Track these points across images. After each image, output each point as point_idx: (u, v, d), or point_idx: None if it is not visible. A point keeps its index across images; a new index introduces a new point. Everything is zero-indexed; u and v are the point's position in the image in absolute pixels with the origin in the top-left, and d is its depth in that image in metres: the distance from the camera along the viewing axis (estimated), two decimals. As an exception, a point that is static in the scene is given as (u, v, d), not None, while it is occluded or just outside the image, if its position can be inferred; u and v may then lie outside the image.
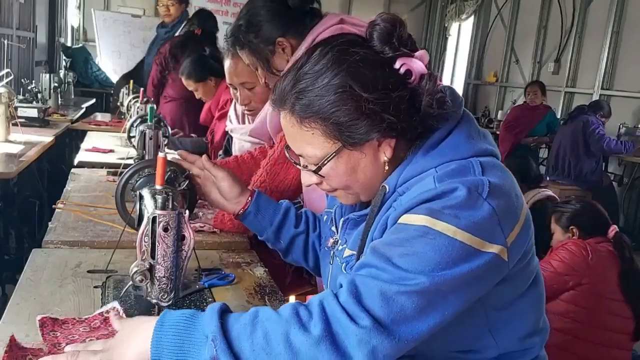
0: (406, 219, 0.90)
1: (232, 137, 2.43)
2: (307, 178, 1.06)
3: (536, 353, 1.08)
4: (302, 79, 0.97)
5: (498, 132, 6.62)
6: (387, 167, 1.00)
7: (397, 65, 0.97)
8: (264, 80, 1.75)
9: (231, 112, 2.40)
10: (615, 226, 2.22)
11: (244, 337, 0.83)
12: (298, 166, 1.06)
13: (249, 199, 1.37)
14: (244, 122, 2.31)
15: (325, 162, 0.99)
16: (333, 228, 1.20)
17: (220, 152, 2.65)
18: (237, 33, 1.68)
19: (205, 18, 4.29)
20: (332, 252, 1.17)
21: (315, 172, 1.01)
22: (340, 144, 0.97)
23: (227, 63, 2.00)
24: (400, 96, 0.95)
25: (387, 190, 0.99)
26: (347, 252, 1.09)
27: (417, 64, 0.97)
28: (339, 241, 1.14)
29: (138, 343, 0.88)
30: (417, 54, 0.99)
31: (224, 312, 0.88)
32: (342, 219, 1.13)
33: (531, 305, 1.06)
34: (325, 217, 1.28)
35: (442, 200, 0.88)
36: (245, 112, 2.12)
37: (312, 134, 0.98)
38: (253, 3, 1.69)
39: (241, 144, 2.27)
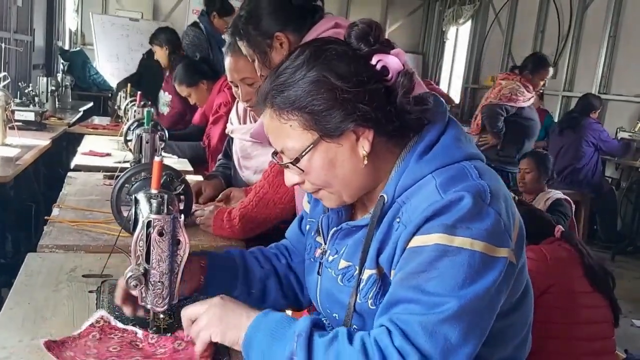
0: (421, 240, 0.91)
1: (232, 140, 2.43)
2: (290, 178, 1.07)
3: None
4: (281, 74, 1.01)
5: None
6: (366, 162, 1.00)
7: (373, 61, 1.00)
8: (260, 73, 1.73)
9: (232, 114, 2.40)
10: (560, 226, 2.23)
11: (321, 349, 0.89)
12: (281, 165, 1.07)
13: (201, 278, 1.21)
14: (245, 122, 2.31)
15: (304, 154, 1.00)
16: (318, 238, 1.18)
17: (220, 156, 2.65)
18: (238, 23, 1.67)
19: (170, 36, 4.48)
20: (319, 263, 1.15)
21: (294, 164, 1.02)
22: (317, 135, 0.99)
23: (227, 60, 2.00)
24: (375, 89, 0.98)
25: (386, 200, 1.00)
26: (343, 264, 1.07)
27: (393, 61, 1.00)
28: (328, 251, 1.13)
29: (238, 324, 0.97)
30: (393, 51, 1.02)
31: (317, 324, 0.94)
32: (334, 228, 1.12)
33: (525, 312, 1.08)
34: (308, 227, 1.25)
35: (451, 212, 0.90)
36: (248, 108, 2.11)
37: (290, 125, 1.00)
38: None
39: (242, 144, 2.27)
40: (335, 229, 1.11)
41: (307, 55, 0.99)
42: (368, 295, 1.01)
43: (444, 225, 0.89)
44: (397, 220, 0.98)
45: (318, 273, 1.15)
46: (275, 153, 1.08)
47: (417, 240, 0.92)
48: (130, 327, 1.10)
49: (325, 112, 0.96)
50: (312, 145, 0.99)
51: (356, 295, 1.02)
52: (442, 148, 1.00)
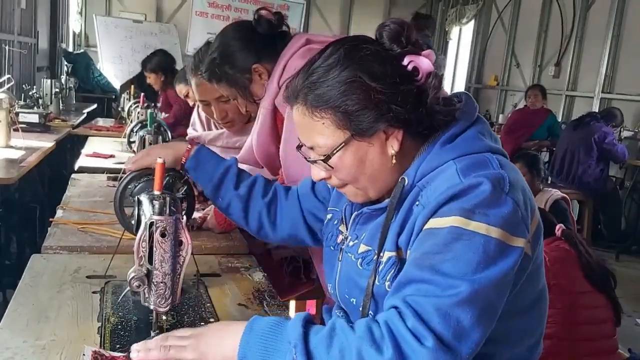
0: (437, 222, 0.92)
1: None
2: (317, 172, 1.08)
3: None
4: (314, 72, 1.01)
5: (499, 136, 6.63)
6: (394, 161, 1.02)
7: (405, 62, 1.00)
8: (245, 109, 1.75)
9: (194, 118, 2.34)
10: (561, 225, 2.24)
11: (322, 348, 0.87)
12: (308, 161, 1.07)
13: (187, 153, 1.40)
14: (209, 129, 2.27)
15: (335, 151, 1.01)
16: (341, 227, 1.19)
17: None
18: (212, 67, 1.68)
19: (163, 61, 4.86)
20: (340, 249, 1.16)
21: (325, 161, 1.03)
22: (349, 134, 0.99)
23: (194, 81, 1.99)
24: (408, 89, 0.98)
25: (406, 182, 1.01)
26: (363, 248, 1.08)
27: (424, 62, 1.00)
28: (349, 237, 1.14)
29: (227, 341, 0.94)
30: (424, 52, 1.02)
31: (308, 322, 0.91)
32: (355, 213, 1.13)
33: (541, 313, 1.08)
34: (331, 215, 1.27)
35: (469, 196, 0.90)
36: (223, 126, 2.09)
37: (322, 123, 1.00)
38: (223, 35, 1.70)
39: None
40: (356, 213, 1.12)
41: (341, 54, 0.99)
42: (386, 277, 1.01)
43: (461, 209, 0.89)
44: (417, 203, 0.98)
45: (338, 259, 1.16)
46: (299, 146, 1.09)
47: (434, 222, 0.92)
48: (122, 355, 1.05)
49: (359, 112, 0.97)
50: (343, 144, 1.00)
51: (375, 277, 1.02)
52: (465, 139, 1.01)
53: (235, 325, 0.95)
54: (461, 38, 9.81)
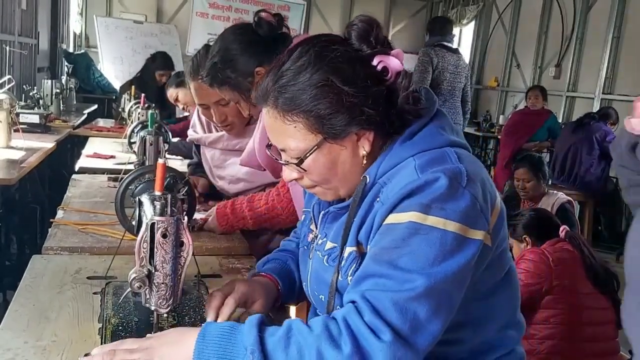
0: (396, 218, 0.93)
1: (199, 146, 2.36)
2: (289, 174, 1.08)
3: (512, 346, 1.12)
4: (284, 75, 1.00)
5: (500, 137, 6.64)
6: (365, 161, 1.03)
7: (374, 62, 1.01)
8: (248, 112, 1.74)
9: (195, 120, 2.33)
10: (565, 226, 2.25)
11: (279, 350, 0.87)
12: (279, 162, 1.08)
13: (278, 293, 1.27)
14: (209, 131, 2.26)
15: (307, 155, 1.01)
16: (311, 226, 1.20)
17: (189, 161, 2.65)
18: (214, 71, 1.67)
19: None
20: (311, 248, 1.17)
21: (297, 165, 1.03)
22: (321, 137, 1.00)
23: (193, 85, 1.97)
24: (378, 91, 0.99)
25: (368, 180, 1.02)
26: (329, 245, 1.10)
27: (393, 62, 1.01)
28: (319, 235, 1.15)
29: (181, 351, 0.91)
30: (393, 52, 1.03)
31: (262, 325, 0.91)
32: (322, 212, 1.14)
33: (508, 296, 1.10)
34: (304, 216, 1.28)
35: (427, 192, 0.92)
36: (224, 130, 2.08)
37: (294, 127, 1.00)
38: (223, 39, 1.69)
39: (212, 152, 2.22)
40: (323, 212, 1.14)
41: (311, 56, 0.99)
42: (348, 272, 1.02)
43: (419, 204, 0.91)
44: (377, 199, 1.00)
45: (309, 258, 1.17)
46: (269, 145, 1.09)
47: (393, 218, 0.94)
48: None
49: (331, 116, 0.98)
50: (316, 147, 1.01)
51: (338, 273, 1.03)
52: (424, 135, 1.02)
53: (189, 333, 0.93)
54: (461, 39, 9.81)
